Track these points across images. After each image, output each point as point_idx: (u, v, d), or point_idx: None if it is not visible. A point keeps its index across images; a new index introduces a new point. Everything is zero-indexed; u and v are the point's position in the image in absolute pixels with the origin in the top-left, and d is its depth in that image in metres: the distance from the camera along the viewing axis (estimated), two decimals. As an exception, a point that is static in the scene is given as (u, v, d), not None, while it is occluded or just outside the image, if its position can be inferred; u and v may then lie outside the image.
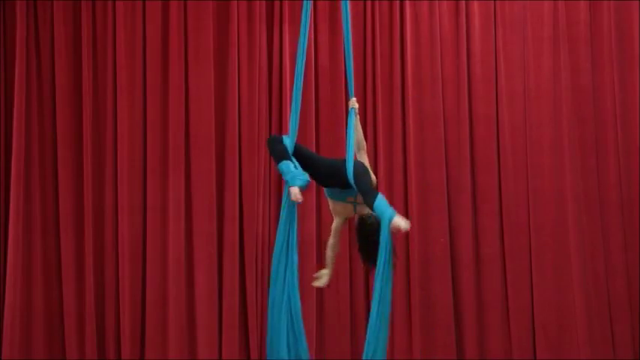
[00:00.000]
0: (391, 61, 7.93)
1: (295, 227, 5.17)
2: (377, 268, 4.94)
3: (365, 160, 5.35)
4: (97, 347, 7.67)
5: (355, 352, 7.76)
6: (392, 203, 7.53)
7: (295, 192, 5.03)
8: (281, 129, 7.85)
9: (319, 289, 7.71)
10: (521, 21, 7.91)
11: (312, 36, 7.85)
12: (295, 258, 5.19)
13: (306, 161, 5.21)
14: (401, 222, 4.81)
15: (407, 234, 7.74)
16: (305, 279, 7.65)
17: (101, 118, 7.88)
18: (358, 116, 5.38)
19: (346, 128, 5.32)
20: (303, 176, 5.08)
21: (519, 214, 7.78)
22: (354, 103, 5.37)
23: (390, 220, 4.84)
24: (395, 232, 4.85)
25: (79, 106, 7.87)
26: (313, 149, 7.70)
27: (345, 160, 5.14)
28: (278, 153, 5.14)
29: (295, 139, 5.19)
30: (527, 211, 7.77)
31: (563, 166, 7.75)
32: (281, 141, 5.18)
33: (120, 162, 7.80)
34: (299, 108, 5.26)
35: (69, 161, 7.80)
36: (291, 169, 5.07)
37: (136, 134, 7.84)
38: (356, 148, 5.32)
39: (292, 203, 5.10)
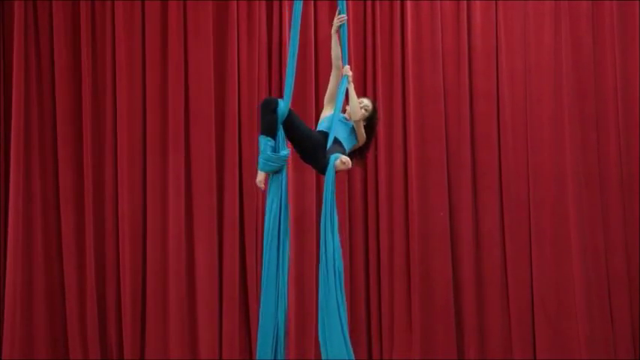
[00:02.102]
0: (391, 37, 7.90)
1: (286, 204, 5.15)
2: (323, 216, 5.04)
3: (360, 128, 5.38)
4: (97, 323, 7.71)
5: (355, 351, 7.74)
6: (392, 179, 7.76)
7: (260, 179, 5.10)
8: (281, 104, 7.84)
9: (318, 282, 7.73)
10: (522, -5, 7.89)
11: (312, 10, 7.83)
12: (287, 243, 5.16)
13: (294, 132, 5.16)
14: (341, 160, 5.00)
15: (406, 209, 7.78)
16: (305, 258, 7.70)
17: (100, 95, 7.88)
18: (352, 84, 5.39)
19: (336, 96, 5.34)
20: (275, 163, 5.07)
21: (519, 190, 7.76)
22: (347, 70, 5.37)
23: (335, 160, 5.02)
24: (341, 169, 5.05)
25: (78, 83, 7.88)
26: (313, 119, 7.64)
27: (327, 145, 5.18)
28: (266, 124, 5.08)
29: (289, 103, 5.14)
30: (527, 186, 7.76)
31: (564, 141, 7.72)
32: (274, 109, 5.07)
33: (120, 138, 7.80)
34: (294, 72, 5.22)
35: (69, 138, 7.82)
36: (268, 151, 5.05)
37: (136, 110, 7.85)
38: (349, 117, 5.35)
39: (279, 177, 5.13)
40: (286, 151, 5.12)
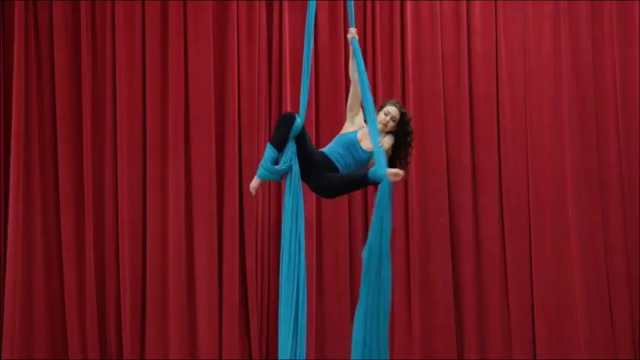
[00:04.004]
0: (391, 40, 7.91)
1: (301, 208, 5.19)
2: (372, 236, 4.90)
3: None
4: (97, 325, 7.72)
5: None
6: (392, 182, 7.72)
7: (254, 186, 5.18)
8: (280, 107, 7.86)
9: (319, 286, 7.76)
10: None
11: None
12: (302, 243, 5.18)
13: (300, 149, 5.19)
14: (395, 171, 4.94)
15: (406, 213, 7.79)
16: (306, 262, 7.70)
17: (100, 97, 7.89)
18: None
19: (355, 63, 5.26)
20: (271, 175, 5.13)
21: (519, 193, 7.77)
22: (353, 32, 5.34)
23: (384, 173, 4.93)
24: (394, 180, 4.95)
25: (78, 83, 7.88)
26: (313, 126, 7.71)
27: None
28: (278, 137, 5.14)
29: (303, 120, 5.17)
30: (527, 190, 7.77)
31: (563, 144, 7.73)
32: (291, 125, 5.10)
33: (119, 141, 7.81)
34: (307, 89, 5.23)
35: (69, 140, 7.83)
36: (269, 162, 5.11)
37: (136, 112, 7.85)
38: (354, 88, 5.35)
39: (296, 184, 5.15)
40: (284, 166, 5.12)
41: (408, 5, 7.87)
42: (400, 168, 5.27)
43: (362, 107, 5.34)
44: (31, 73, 7.86)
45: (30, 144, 7.81)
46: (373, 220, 4.87)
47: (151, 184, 7.79)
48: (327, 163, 5.23)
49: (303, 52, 5.22)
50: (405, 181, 7.78)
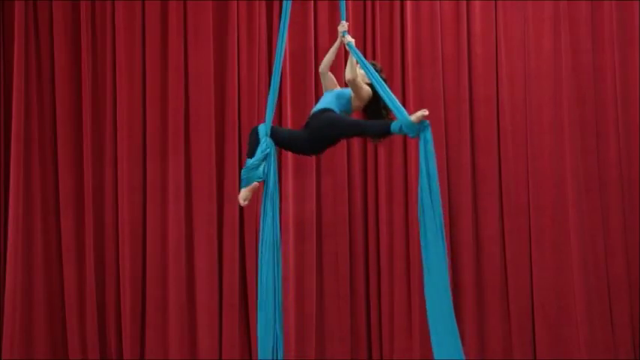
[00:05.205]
0: (391, 42, 7.90)
1: (277, 213, 5.27)
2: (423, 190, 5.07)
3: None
4: (97, 327, 7.73)
5: (355, 352, 7.78)
6: (391, 184, 7.76)
7: (241, 196, 5.31)
8: (280, 107, 7.85)
9: (319, 286, 7.76)
10: (521, 1, 7.86)
11: (312, 16, 7.83)
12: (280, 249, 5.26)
13: (282, 140, 5.34)
14: (417, 114, 5.17)
15: (406, 214, 7.79)
16: (306, 263, 7.72)
17: (101, 98, 7.89)
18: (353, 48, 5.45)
19: (358, 60, 5.37)
20: (251, 173, 5.24)
21: (519, 195, 7.76)
22: (345, 26, 5.49)
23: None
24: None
25: (78, 86, 7.89)
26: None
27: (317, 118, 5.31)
28: (249, 146, 5.31)
29: (270, 124, 5.26)
30: (527, 191, 7.76)
31: (564, 146, 7.72)
32: (256, 134, 5.26)
33: (120, 142, 7.82)
34: (276, 95, 5.31)
35: (69, 142, 7.84)
36: (253, 161, 5.23)
37: (136, 114, 7.85)
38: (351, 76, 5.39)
39: (274, 191, 5.25)
40: (256, 159, 5.21)
41: (408, 6, 7.86)
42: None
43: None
44: (31, 73, 7.86)
45: (30, 144, 7.82)
46: (421, 167, 5.17)
47: (151, 185, 7.80)
48: (314, 115, 5.34)
49: (275, 55, 5.28)
50: (405, 181, 7.79)
